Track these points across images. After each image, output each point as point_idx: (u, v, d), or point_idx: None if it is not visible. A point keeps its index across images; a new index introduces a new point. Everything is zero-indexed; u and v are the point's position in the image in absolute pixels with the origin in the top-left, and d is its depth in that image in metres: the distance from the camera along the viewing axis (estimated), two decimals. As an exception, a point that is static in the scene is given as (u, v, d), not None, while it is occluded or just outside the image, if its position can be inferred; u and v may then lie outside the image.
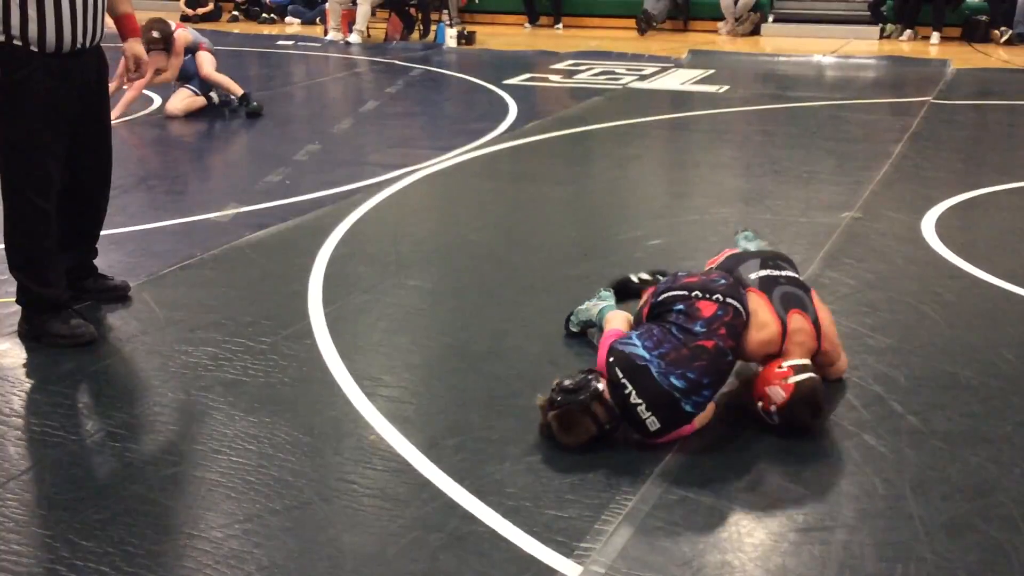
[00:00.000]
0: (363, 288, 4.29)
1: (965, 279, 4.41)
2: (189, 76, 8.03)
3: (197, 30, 8.70)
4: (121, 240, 4.82)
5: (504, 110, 8.33)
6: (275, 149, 6.98)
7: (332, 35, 12.94)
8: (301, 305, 4.07)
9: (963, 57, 11.28)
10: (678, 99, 9.25)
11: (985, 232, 5.23)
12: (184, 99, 7.95)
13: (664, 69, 10.77)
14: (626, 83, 9.84)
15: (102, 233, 4.15)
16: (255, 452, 2.95)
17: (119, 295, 4.13)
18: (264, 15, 15.01)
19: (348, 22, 13.11)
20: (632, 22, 13.77)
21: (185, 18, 13.38)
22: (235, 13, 15.20)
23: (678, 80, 10.10)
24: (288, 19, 14.95)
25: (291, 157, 6.63)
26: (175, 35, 7.78)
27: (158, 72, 7.79)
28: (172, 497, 2.73)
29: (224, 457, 2.92)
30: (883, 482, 2.83)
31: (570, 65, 10.98)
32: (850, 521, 2.64)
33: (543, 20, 14.53)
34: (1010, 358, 3.59)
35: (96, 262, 4.16)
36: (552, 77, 10.25)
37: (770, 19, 13.70)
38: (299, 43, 12.84)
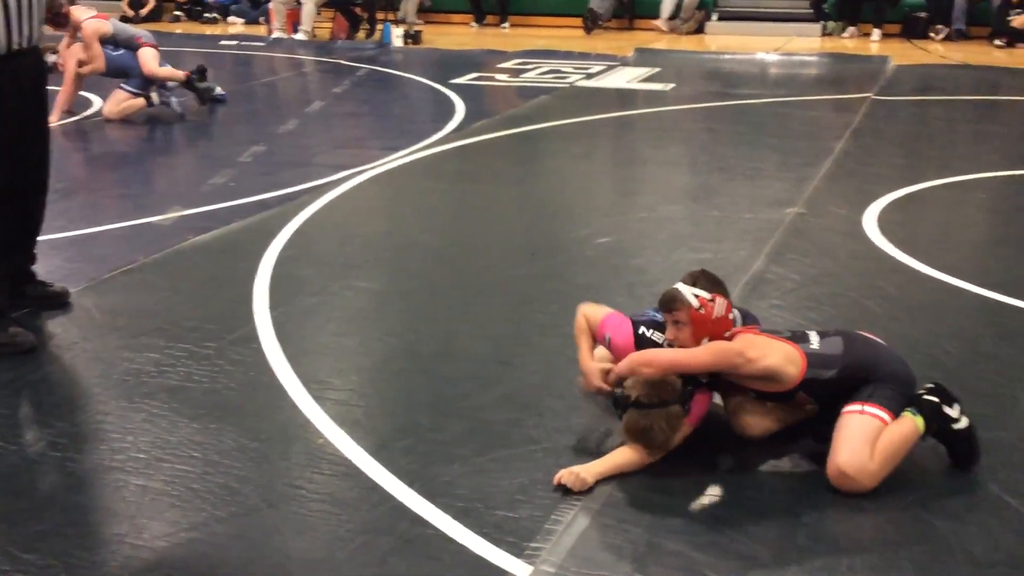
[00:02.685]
0: (310, 291, 4.25)
1: (906, 273, 4.48)
2: (126, 72, 7.63)
3: (142, 31, 8.39)
4: (60, 245, 4.73)
5: (451, 110, 8.31)
6: (219, 151, 6.89)
7: (277, 35, 12.82)
8: (247, 309, 4.02)
9: (903, 53, 11.47)
10: (624, 97, 9.30)
11: (926, 226, 5.32)
12: (121, 102, 7.66)
13: (610, 67, 10.81)
14: (573, 82, 9.87)
15: (40, 238, 4.07)
16: (200, 459, 2.90)
17: (59, 301, 4.06)
18: (207, 15, 14.82)
19: (293, 22, 13.00)
20: (578, 21, 13.81)
21: (126, 19, 13.15)
22: (177, 13, 15.00)
23: (624, 78, 10.15)
24: (231, 19, 14.78)
25: (235, 159, 6.55)
26: (83, 25, 7.33)
27: (81, 65, 7.53)
28: (115, 507, 2.69)
29: (168, 465, 2.87)
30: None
31: (517, 64, 10.99)
32: (798, 515, 2.67)
33: (490, 19, 14.53)
34: (950, 350, 3.66)
35: (35, 268, 4.08)
36: (499, 76, 10.24)
37: (714, 17, 13.82)
38: (243, 43, 12.70)
